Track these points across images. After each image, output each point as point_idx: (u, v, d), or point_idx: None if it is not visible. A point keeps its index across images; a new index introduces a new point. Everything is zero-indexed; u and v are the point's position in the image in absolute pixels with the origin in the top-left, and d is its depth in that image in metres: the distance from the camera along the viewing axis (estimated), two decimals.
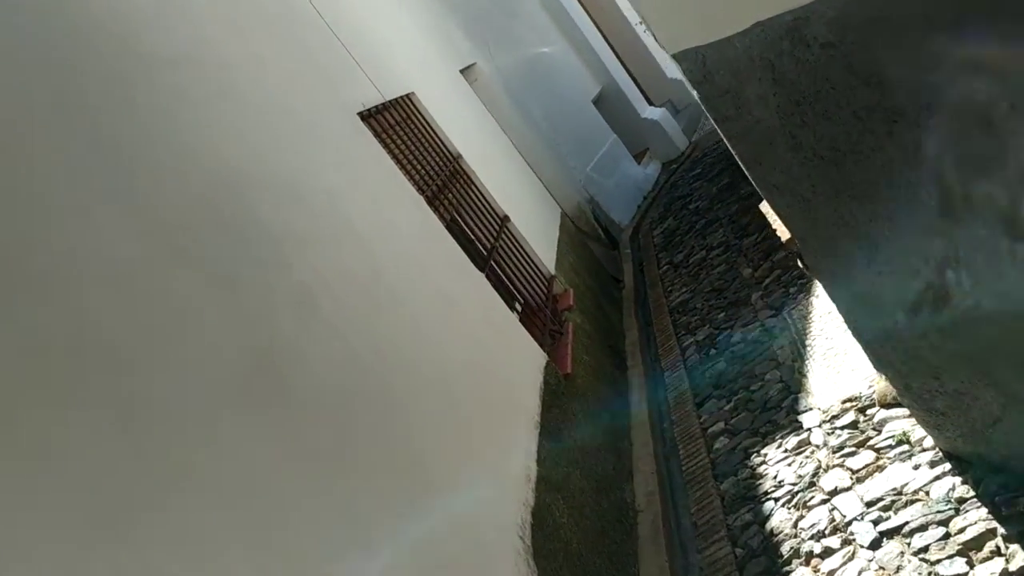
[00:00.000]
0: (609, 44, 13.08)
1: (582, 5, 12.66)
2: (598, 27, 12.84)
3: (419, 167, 4.85)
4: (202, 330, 2.15)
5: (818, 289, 5.10)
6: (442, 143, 5.50)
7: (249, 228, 2.67)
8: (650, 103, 13.46)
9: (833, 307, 4.88)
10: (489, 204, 5.59)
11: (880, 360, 3.12)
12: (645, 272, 8.26)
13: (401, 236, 3.71)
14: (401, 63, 5.76)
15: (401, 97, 5.17)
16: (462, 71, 8.08)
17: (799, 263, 3.28)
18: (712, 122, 2.95)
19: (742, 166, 2.98)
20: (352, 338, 2.77)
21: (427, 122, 5.43)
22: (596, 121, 11.63)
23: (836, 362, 4.29)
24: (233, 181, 2.73)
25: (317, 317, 2.67)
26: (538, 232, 6.30)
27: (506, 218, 5.69)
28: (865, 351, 3.20)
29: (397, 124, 4.88)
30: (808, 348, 4.60)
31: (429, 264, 3.81)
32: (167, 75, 2.81)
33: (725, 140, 3.00)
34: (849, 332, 3.30)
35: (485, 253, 4.95)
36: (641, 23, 14.60)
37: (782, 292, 5.49)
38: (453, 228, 4.81)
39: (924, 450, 3.28)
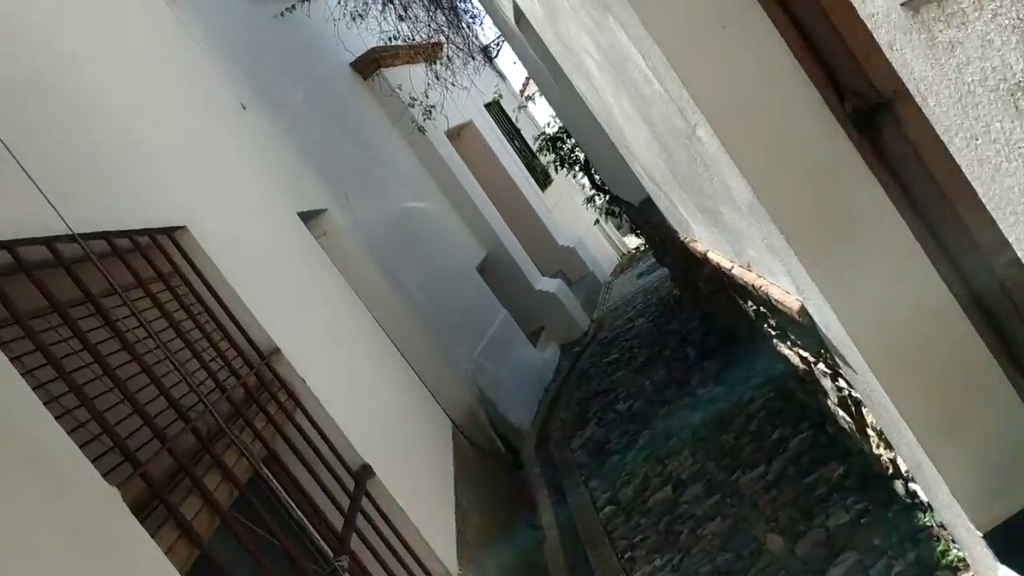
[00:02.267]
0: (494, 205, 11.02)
1: (463, 160, 10.65)
2: (481, 186, 10.79)
3: (164, 383, 2.09)
4: None
5: None
6: (237, 327, 2.77)
7: None
8: (541, 274, 11.34)
9: None
10: (332, 448, 2.82)
11: None
12: (574, 512, 5.56)
13: None
14: (173, 178, 3.09)
15: (150, 232, 2.47)
16: (306, 217, 5.51)
17: None
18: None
19: None
20: None
21: (208, 285, 2.72)
22: (483, 293, 9.27)
23: None
24: None
25: None
26: (424, 482, 3.55)
27: (366, 471, 2.92)
28: None
29: (129, 287, 2.15)
30: None
31: None
32: None
33: None
34: None
35: None
36: None
37: None
38: (237, 531, 2.00)
39: None
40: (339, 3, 8.89)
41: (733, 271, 3.44)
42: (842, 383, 2.92)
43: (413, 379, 5.07)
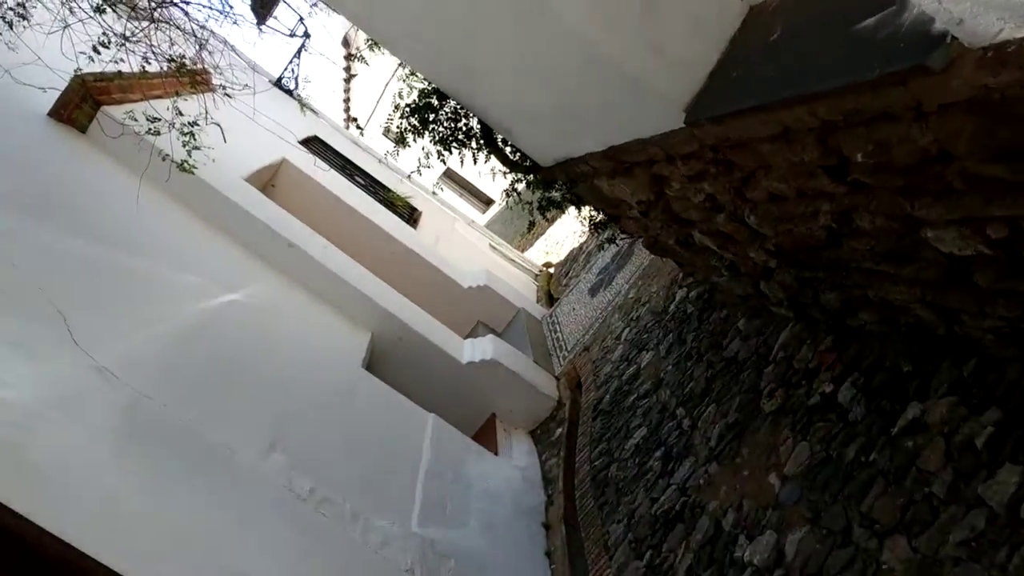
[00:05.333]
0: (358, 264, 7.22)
1: (289, 212, 6.84)
2: (330, 241, 6.99)
3: None
4: None
5: None
6: None
7: None
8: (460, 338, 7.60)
9: None
10: None
11: None
12: None
13: None
14: None
15: None
16: None
17: None
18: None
19: None
20: None
21: None
22: (387, 403, 5.48)
23: None
24: None
25: None
26: None
27: None
28: None
29: None
30: None
31: None
32: None
33: None
34: None
35: None
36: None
37: None
38: None
39: None
40: None
41: None
42: None
43: None
